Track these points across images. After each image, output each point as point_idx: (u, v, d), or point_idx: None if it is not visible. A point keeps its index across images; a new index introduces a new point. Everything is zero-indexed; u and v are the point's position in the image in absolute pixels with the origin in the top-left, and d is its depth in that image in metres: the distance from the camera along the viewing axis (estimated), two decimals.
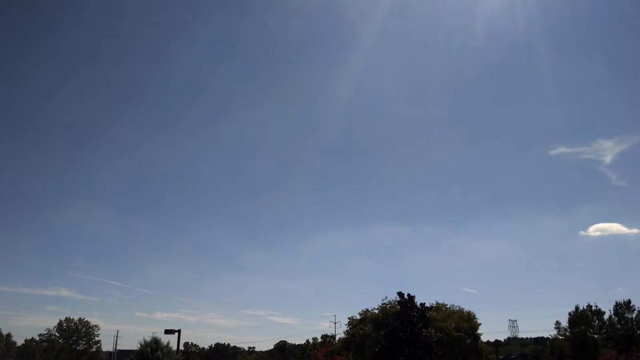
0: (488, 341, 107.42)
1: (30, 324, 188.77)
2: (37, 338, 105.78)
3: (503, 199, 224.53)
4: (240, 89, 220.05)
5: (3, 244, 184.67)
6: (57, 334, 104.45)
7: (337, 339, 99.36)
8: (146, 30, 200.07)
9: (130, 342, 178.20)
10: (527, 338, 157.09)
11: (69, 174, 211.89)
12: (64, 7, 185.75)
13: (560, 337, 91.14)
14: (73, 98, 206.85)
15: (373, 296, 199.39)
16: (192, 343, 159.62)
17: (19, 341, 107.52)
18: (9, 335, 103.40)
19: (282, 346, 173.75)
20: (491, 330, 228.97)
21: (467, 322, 65.47)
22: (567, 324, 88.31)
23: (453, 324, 63.09)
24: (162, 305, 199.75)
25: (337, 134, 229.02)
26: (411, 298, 49.98)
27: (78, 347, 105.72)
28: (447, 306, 68.87)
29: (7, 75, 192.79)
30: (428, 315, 50.96)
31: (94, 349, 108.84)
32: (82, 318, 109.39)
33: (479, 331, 67.53)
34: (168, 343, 58.23)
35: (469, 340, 64.41)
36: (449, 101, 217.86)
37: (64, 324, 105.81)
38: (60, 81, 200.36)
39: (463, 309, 68.77)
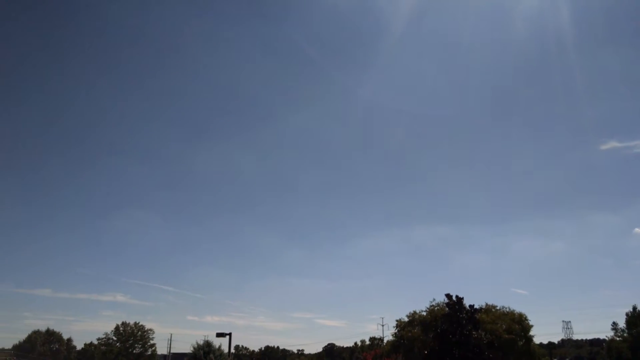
0: (541, 343, 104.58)
1: (88, 328, 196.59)
2: (96, 342, 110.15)
3: (552, 197, 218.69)
4: (278, 94, 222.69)
5: (62, 253, 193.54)
6: (115, 338, 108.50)
7: (385, 341, 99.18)
8: (184, 40, 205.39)
9: (183, 345, 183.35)
10: (582, 340, 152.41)
11: (120, 184, 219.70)
12: (107, 19, 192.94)
13: (618, 339, 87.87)
14: (119, 112, 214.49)
15: (419, 298, 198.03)
16: (242, 346, 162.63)
17: (79, 345, 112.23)
18: (69, 340, 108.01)
19: (330, 349, 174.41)
20: (544, 332, 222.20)
21: (518, 324, 64.16)
22: (624, 325, 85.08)
23: (504, 326, 62.04)
24: (212, 309, 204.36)
25: (378, 136, 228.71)
26: (459, 300, 49.58)
27: (134, 351, 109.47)
28: (497, 308, 67.68)
29: (55, 94, 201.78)
30: (477, 317, 50.39)
31: (149, 352, 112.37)
32: (138, 322, 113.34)
33: (531, 333, 65.95)
34: (220, 346, 59.88)
35: (521, 343, 63.17)
36: (492, 100, 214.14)
37: (121, 328, 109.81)
38: (107, 96, 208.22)
39: (514, 310, 67.39)
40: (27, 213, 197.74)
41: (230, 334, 51.94)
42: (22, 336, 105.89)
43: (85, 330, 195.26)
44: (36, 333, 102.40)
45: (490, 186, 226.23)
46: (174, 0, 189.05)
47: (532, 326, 66.19)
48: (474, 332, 47.89)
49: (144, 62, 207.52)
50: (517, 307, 71.46)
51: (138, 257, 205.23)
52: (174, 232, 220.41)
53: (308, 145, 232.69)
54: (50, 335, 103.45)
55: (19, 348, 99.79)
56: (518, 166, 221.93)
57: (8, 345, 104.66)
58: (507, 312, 67.09)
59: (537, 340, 72.95)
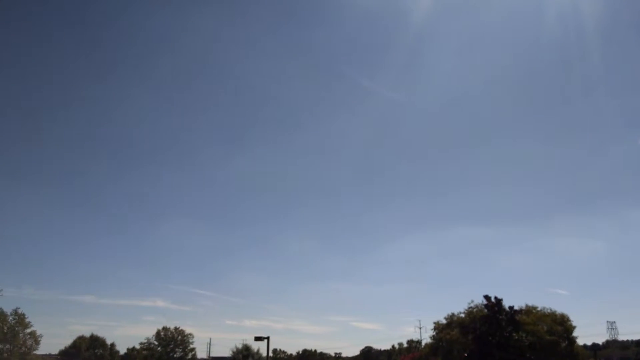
0: (585, 344, 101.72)
1: (130, 333, 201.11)
2: (138, 346, 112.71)
3: (590, 195, 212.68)
4: (314, 99, 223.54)
5: (104, 260, 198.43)
6: (156, 343, 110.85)
7: (423, 344, 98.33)
8: (217, 48, 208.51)
9: (222, 349, 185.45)
10: (628, 340, 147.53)
11: (159, 191, 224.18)
12: (143, 30, 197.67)
13: None
14: (158, 120, 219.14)
15: (456, 300, 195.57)
16: (280, 349, 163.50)
17: (122, 350, 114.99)
18: (112, 345, 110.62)
19: (367, 352, 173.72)
20: (587, 333, 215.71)
21: (560, 325, 62.70)
22: None
23: (545, 327, 60.75)
24: (249, 313, 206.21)
25: (413, 137, 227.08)
26: (498, 301, 49.00)
27: (175, 355, 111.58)
28: (538, 308, 66.29)
29: (99, 102, 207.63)
30: (517, 318, 49.66)
31: (189, 356, 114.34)
32: (178, 327, 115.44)
33: (574, 334, 64.35)
34: (258, 350, 60.91)
35: (564, 344, 61.72)
36: (526, 97, 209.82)
37: (162, 333, 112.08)
38: (146, 104, 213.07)
39: (555, 311, 65.82)
40: (70, 221, 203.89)
41: (268, 338, 52.53)
42: (67, 341, 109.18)
43: (127, 335, 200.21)
44: (81, 338, 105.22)
45: (527, 185, 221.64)
46: (206, 9, 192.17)
47: (574, 327, 64.58)
48: (514, 334, 47.23)
49: (181, 70, 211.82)
50: (558, 308, 69.64)
51: (177, 262, 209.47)
52: (212, 238, 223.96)
53: (344, 149, 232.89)
54: (95, 341, 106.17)
55: (65, 353, 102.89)
56: (555, 164, 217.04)
57: (55, 350, 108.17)
58: (549, 312, 65.65)
59: (580, 341, 70.98)
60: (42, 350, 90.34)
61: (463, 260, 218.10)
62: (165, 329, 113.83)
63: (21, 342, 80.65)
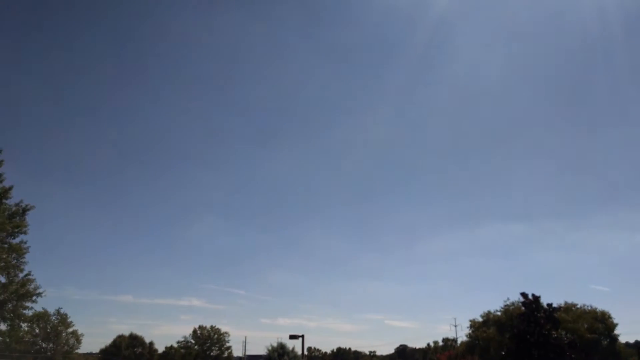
0: (627, 343, 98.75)
1: (167, 332, 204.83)
2: (176, 345, 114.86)
3: (631, 187, 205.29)
4: (342, 98, 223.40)
5: (141, 261, 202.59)
6: (193, 341, 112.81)
7: (458, 342, 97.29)
8: (245, 49, 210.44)
9: (257, 347, 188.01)
10: None
11: (192, 192, 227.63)
12: (171, 34, 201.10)
13: None
14: (189, 120, 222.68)
15: (491, 298, 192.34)
16: (314, 347, 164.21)
17: (160, 348, 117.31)
18: (151, 343, 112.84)
19: (402, 350, 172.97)
20: (630, 331, 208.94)
21: (601, 323, 61.19)
22: None
23: (585, 325, 59.38)
24: (283, 311, 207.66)
25: (445, 133, 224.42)
26: (536, 298, 47.98)
27: (211, 353, 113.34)
28: (577, 306, 64.81)
29: (129, 104, 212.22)
30: (556, 316, 48.57)
31: (225, 355, 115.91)
32: (214, 325, 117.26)
33: (615, 332, 62.67)
34: (293, 348, 60.92)
35: (605, 342, 60.22)
36: (559, 89, 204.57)
37: (198, 332, 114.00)
38: (177, 105, 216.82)
39: (595, 308, 64.31)
40: (107, 223, 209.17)
41: (302, 336, 52.77)
42: (107, 340, 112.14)
43: (164, 334, 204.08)
44: (120, 337, 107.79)
45: (564, 179, 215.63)
46: (233, 11, 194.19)
47: (616, 324, 62.96)
48: (553, 332, 46.16)
49: (211, 72, 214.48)
50: (599, 305, 67.95)
51: (212, 262, 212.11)
52: (245, 238, 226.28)
53: (373, 148, 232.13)
54: (134, 339, 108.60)
55: (105, 352, 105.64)
56: (594, 156, 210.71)
57: (96, 349, 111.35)
58: (589, 310, 64.16)
59: (622, 339, 69.09)
60: (83, 349, 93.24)
61: (498, 257, 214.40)
62: (201, 327, 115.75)
63: (64, 341, 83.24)
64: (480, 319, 69.06)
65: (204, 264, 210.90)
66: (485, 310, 69.11)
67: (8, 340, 28.55)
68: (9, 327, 27.43)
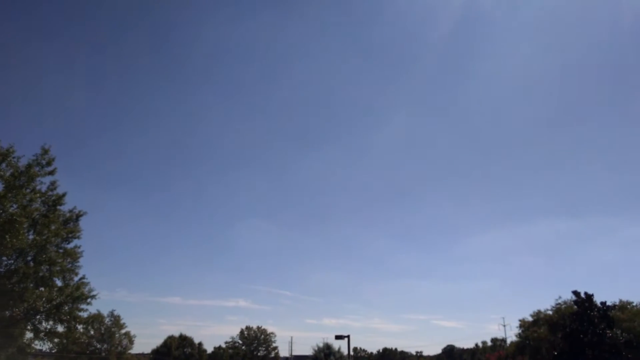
0: None
1: (215, 333, 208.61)
2: (224, 345, 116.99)
3: None
4: (379, 96, 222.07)
5: (189, 264, 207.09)
6: (240, 342, 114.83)
7: (508, 342, 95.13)
8: (280, 51, 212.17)
9: (303, 347, 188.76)
10: None
11: (236, 196, 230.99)
12: (215, 42, 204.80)
13: None
14: (230, 127, 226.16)
15: (541, 297, 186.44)
16: (360, 348, 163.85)
17: (209, 349, 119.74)
18: (200, 344, 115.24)
19: (449, 350, 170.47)
20: None
21: None
22: None
23: None
24: (328, 312, 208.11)
25: (490, 128, 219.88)
26: (589, 297, 46.53)
27: (258, 353, 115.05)
28: (633, 304, 62.19)
29: (180, 114, 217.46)
30: (611, 314, 46.86)
31: (272, 355, 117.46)
32: (260, 326, 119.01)
33: None
34: (339, 348, 61.08)
35: None
36: (612, 80, 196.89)
37: (245, 332, 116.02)
38: (218, 113, 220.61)
39: None
40: (156, 228, 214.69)
41: (348, 337, 52.74)
42: (158, 341, 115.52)
43: (212, 334, 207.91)
44: (171, 338, 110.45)
45: (620, 172, 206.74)
46: (265, 12, 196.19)
47: None
48: (608, 331, 44.60)
49: (251, 77, 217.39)
50: None
51: (257, 264, 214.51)
52: (289, 239, 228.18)
53: (414, 145, 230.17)
54: (183, 340, 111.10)
55: (157, 352, 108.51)
56: None
57: (147, 349, 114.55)
58: None
59: None
60: (136, 349, 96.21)
61: (548, 255, 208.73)
62: (248, 328, 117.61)
63: (117, 342, 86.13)
64: (530, 319, 67.43)
65: (250, 265, 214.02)
66: (535, 310, 67.50)
67: (65, 341, 29.66)
68: (66, 329, 28.52)
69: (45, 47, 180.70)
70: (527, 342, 65.02)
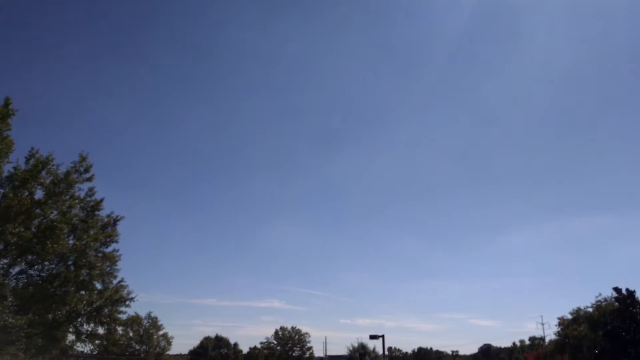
0: None
1: (250, 333, 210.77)
2: (259, 346, 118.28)
3: None
4: (404, 95, 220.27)
5: (223, 266, 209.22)
6: (275, 342, 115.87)
7: (546, 340, 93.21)
8: (305, 54, 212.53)
9: (338, 347, 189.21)
10: None
11: (269, 198, 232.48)
12: (240, 47, 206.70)
13: None
14: (259, 131, 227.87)
15: (579, 294, 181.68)
16: (395, 347, 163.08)
17: (244, 349, 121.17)
18: (236, 344, 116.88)
19: (486, 349, 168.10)
20: None
21: None
22: None
23: None
24: (362, 312, 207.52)
25: (521, 122, 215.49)
26: (631, 293, 45.21)
27: (293, 354, 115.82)
28: None
29: (206, 120, 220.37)
30: None
31: (307, 355, 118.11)
32: (294, 326, 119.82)
33: None
34: (374, 348, 61.32)
35: None
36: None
37: (279, 333, 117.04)
38: (243, 117, 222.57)
39: None
40: (191, 231, 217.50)
41: (383, 336, 52.63)
42: (195, 342, 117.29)
43: (247, 335, 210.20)
44: (207, 339, 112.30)
45: None
46: (286, 15, 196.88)
47: None
48: None
49: (277, 81, 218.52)
50: None
51: (291, 265, 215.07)
52: (317, 241, 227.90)
53: (440, 144, 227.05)
54: (219, 341, 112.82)
55: (193, 353, 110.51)
56: None
57: (185, 350, 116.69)
58: None
59: None
60: (173, 350, 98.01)
61: (585, 252, 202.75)
62: (282, 328, 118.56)
63: (155, 343, 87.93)
64: (570, 316, 66.04)
65: (283, 266, 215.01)
66: (575, 307, 66.06)
67: (106, 343, 30.54)
68: (106, 331, 29.39)
69: (65, 52, 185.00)
70: (567, 340, 63.67)
